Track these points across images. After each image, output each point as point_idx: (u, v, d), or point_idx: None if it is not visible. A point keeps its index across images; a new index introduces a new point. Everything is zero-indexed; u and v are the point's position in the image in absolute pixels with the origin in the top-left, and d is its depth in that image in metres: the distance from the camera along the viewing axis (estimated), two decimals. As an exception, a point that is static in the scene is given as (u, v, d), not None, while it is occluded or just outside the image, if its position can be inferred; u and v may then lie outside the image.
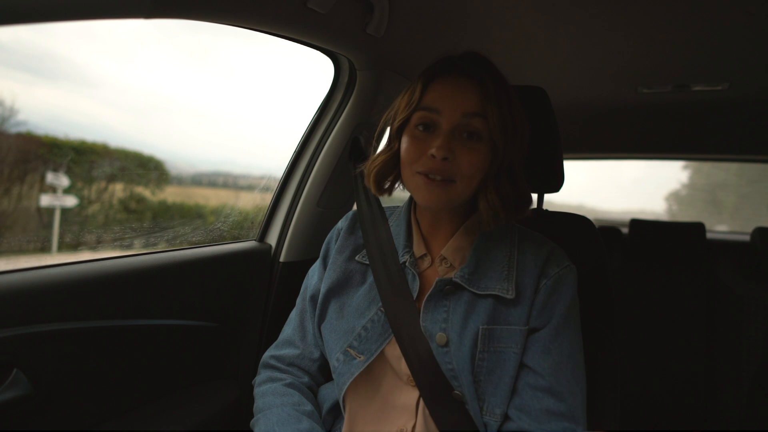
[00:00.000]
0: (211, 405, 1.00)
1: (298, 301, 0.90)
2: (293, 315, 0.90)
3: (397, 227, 0.84)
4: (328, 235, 0.90)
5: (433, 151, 0.69)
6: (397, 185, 0.82)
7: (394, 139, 0.78)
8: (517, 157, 0.74)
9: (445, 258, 0.78)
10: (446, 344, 0.71)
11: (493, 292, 0.73)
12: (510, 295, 0.72)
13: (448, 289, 0.74)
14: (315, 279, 0.87)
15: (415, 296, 0.75)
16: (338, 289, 0.82)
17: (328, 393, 0.83)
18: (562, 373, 0.70)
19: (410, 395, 0.74)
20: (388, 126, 0.81)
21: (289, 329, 0.89)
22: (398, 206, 0.90)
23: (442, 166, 0.69)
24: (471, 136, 0.71)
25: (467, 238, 0.78)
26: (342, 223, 0.90)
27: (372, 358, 0.74)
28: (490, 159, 0.72)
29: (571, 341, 0.72)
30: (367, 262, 0.82)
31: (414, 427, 0.73)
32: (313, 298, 0.86)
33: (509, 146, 0.72)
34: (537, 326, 0.73)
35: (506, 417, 0.71)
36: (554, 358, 0.70)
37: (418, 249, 0.80)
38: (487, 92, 0.71)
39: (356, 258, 0.84)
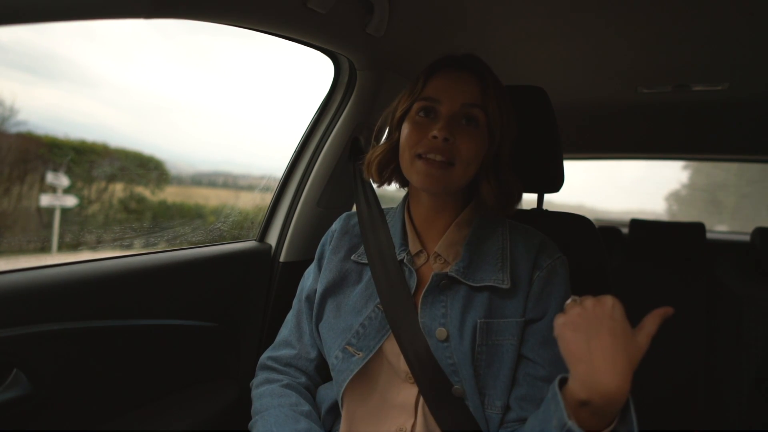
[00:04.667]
0: (211, 405, 0.99)
1: (294, 302, 0.91)
2: (290, 316, 0.90)
3: (392, 226, 0.85)
4: (323, 238, 0.91)
5: (434, 132, 0.71)
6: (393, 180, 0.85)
7: (394, 130, 0.81)
8: (510, 150, 0.79)
9: (439, 255, 0.79)
10: (446, 339, 0.72)
11: (489, 284, 0.74)
12: (506, 285, 0.73)
13: (444, 284, 0.75)
14: (310, 280, 0.88)
15: (412, 292, 0.76)
16: (334, 288, 0.83)
17: (327, 393, 0.83)
18: (562, 363, 0.70)
19: (409, 393, 0.74)
20: (387, 123, 0.84)
21: (285, 330, 0.89)
22: (393, 207, 0.90)
23: (443, 146, 0.71)
24: (469, 122, 0.74)
25: (460, 233, 0.79)
26: (335, 225, 0.91)
27: (371, 354, 0.74)
28: (486, 147, 0.75)
29: None
30: (363, 261, 0.82)
31: (414, 425, 0.73)
32: (309, 299, 0.87)
33: (505, 138, 0.77)
34: (534, 317, 0.73)
35: (508, 408, 0.72)
36: (553, 349, 0.70)
37: (414, 246, 0.81)
38: (486, 85, 0.75)
39: (352, 258, 0.84)
